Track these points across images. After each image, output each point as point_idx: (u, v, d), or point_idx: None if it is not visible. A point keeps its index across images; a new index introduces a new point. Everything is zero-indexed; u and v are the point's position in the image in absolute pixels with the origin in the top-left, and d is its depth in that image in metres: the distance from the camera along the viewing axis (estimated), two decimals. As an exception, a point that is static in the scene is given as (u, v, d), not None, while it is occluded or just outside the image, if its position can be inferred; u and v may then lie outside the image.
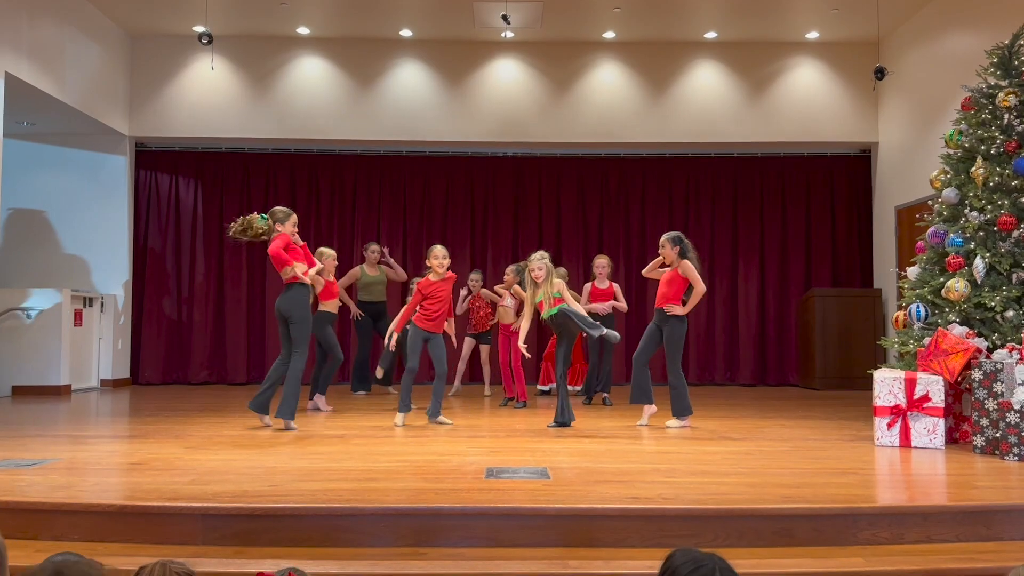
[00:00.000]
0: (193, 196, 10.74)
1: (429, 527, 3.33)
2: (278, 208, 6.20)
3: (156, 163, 10.66)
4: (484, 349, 8.79)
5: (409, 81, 10.31)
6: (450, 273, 6.44)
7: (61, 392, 8.84)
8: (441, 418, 6.32)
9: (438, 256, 6.33)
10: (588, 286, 8.29)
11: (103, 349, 9.93)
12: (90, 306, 9.65)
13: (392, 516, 3.35)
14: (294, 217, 6.17)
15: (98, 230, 10.10)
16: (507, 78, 10.35)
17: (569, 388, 8.13)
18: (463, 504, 3.41)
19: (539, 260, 6.34)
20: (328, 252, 7.47)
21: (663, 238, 6.25)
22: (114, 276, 10.16)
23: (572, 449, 5.03)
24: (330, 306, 7.50)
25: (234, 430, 5.91)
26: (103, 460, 4.61)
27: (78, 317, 9.35)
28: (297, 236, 6.20)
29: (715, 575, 1.82)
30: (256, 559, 3.07)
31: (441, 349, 6.32)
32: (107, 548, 3.17)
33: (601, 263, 8.19)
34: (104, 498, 3.52)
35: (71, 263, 10.03)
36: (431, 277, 6.39)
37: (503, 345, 7.99)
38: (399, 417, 6.24)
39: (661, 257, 6.30)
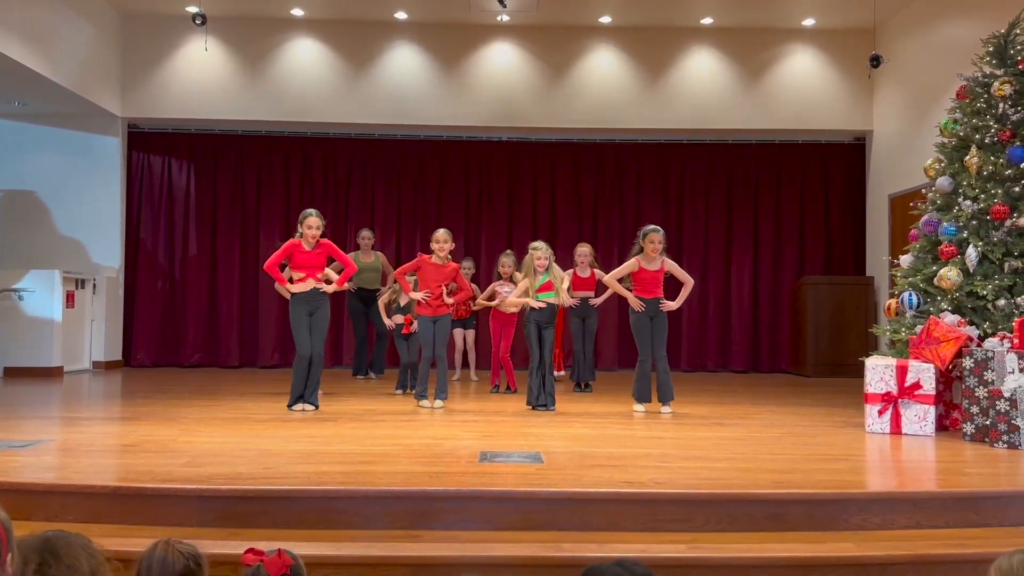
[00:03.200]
0: (186, 178, 10.68)
1: (423, 510, 3.34)
2: (305, 210, 6.22)
3: (149, 145, 10.59)
4: (469, 335, 8.79)
5: (404, 64, 10.25)
6: (451, 263, 6.53)
7: (53, 374, 8.81)
8: (425, 402, 6.39)
9: (438, 240, 6.47)
10: (569, 274, 8.24)
11: (95, 331, 9.90)
12: (82, 288, 9.61)
13: (386, 499, 3.37)
14: (310, 219, 6.10)
15: (90, 211, 10.04)
16: (503, 62, 10.30)
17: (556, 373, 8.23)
18: (457, 488, 3.43)
19: (545, 250, 6.44)
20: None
21: (659, 233, 6.25)
22: (106, 258, 10.11)
23: (565, 434, 5.05)
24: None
25: (227, 413, 5.91)
26: (97, 442, 4.61)
27: (70, 299, 9.31)
28: (312, 232, 6.10)
29: None
30: (251, 540, 3.06)
31: (444, 333, 6.48)
32: (101, 529, 3.18)
33: (583, 251, 8.11)
34: (98, 479, 3.52)
35: (63, 244, 9.97)
36: (432, 259, 6.48)
37: (495, 334, 7.95)
38: (426, 402, 6.34)
39: (629, 264, 6.28)
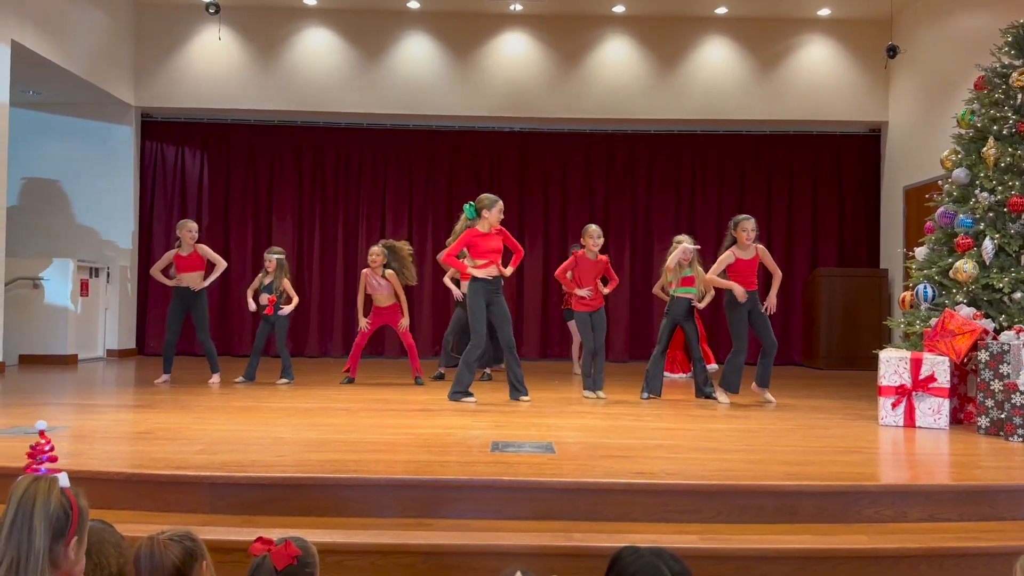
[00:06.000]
0: (199, 168, 10.72)
1: (434, 499, 3.35)
2: (484, 196, 6.21)
3: (162, 134, 10.63)
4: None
5: (416, 54, 10.24)
6: (602, 257, 6.59)
7: (67, 361, 8.88)
8: (600, 393, 6.49)
9: (592, 235, 6.53)
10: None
11: (109, 319, 9.97)
12: (96, 276, 9.67)
13: (398, 487, 3.37)
14: (500, 204, 6.17)
15: (104, 200, 10.10)
16: (514, 52, 10.27)
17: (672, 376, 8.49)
18: (469, 477, 3.43)
19: (688, 242, 6.54)
20: (185, 224, 7.26)
21: (751, 221, 6.28)
22: (120, 246, 10.17)
23: (577, 424, 5.05)
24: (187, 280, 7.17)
25: (241, 401, 5.94)
26: (111, 428, 4.64)
27: (84, 287, 9.37)
28: (499, 217, 6.17)
29: None
30: (264, 528, 3.09)
31: (602, 325, 6.53)
32: (116, 515, 3.18)
33: None
34: (112, 466, 3.54)
35: (77, 233, 10.04)
36: (586, 254, 6.56)
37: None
38: (589, 392, 6.47)
39: (724, 257, 6.27)
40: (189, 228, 7.26)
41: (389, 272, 7.28)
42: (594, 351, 6.47)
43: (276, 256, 7.35)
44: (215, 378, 7.26)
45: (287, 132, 10.73)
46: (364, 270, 7.37)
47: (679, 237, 6.66)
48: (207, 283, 7.20)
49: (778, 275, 6.41)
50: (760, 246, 6.34)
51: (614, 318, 10.45)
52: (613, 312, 10.37)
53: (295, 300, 7.35)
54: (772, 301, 6.29)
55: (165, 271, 7.27)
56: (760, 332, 6.30)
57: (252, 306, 7.30)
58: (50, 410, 5.34)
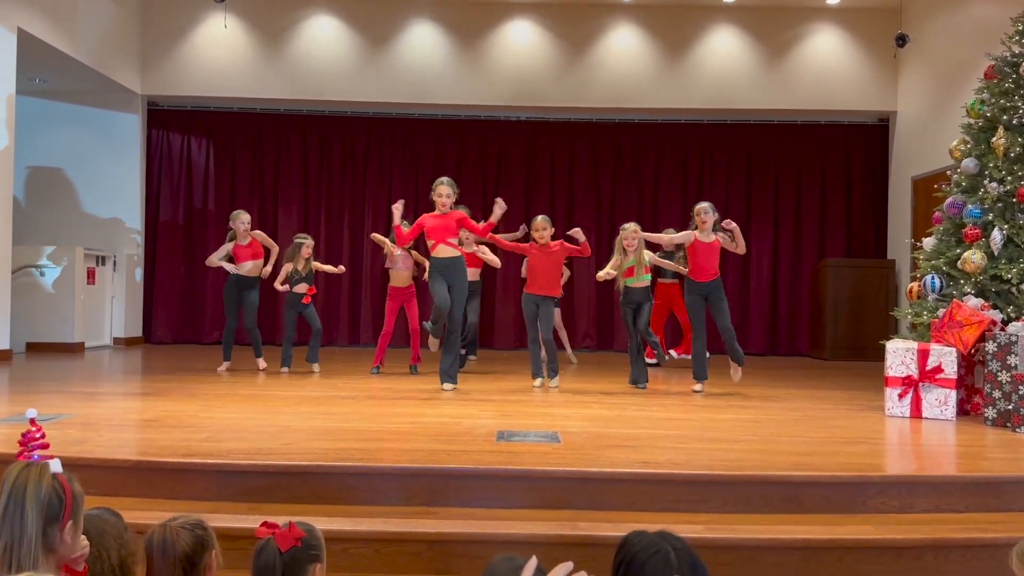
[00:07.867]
0: (205, 156, 10.72)
1: (440, 487, 3.35)
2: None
3: (168, 122, 10.63)
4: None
5: (422, 42, 10.20)
6: (555, 244, 6.50)
7: (74, 350, 8.91)
8: (556, 379, 6.48)
9: (538, 228, 6.51)
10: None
11: (116, 307, 10.00)
12: (103, 264, 9.69)
13: (403, 476, 3.38)
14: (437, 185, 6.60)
15: (111, 189, 10.11)
16: (522, 40, 10.22)
17: (678, 356, 8.53)
18: (474, 466, 3.44)
19: (634, 230, 6.52)
20: (238, 215, 7.38)
21: (707, 206, 6.21)
22: (127, 235, 10.19)
23: (582, 414, 5.05)
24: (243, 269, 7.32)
25: (247, 389, 5.96)
26: (118, 416, 4.66)
27: (91, 275, 9.39)
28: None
29: (670, 556, 1.84)
30: (269, 515, 3.07)
31: (549, 316, 6.41)
32: (122, 502, 3.20)
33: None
34: (119, 453, 3.56)
35: (84, 221, 10.05)
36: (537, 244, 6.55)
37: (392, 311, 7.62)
38: (537, 381, 6.47)
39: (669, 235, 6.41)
40: (243, 220, 7.36)
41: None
42: (537, 340, 6.44)
43: (306, 241, 7.31)
44: (261, 362, 7.40)
45: (293, 121, 10.71)
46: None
47: (624, 225, 6.58)
48: (268, 268, 7.34)
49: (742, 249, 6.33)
50: (721, 235, 6.21)
51: (617, 309, 10.42)
52: (616, 302, 10.32)
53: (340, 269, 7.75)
54: (732, 224, 6.12)
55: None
56: (717, 317, 6.26)
57: (284, 289, 7.28)
58: (57, 398, 5.36)
